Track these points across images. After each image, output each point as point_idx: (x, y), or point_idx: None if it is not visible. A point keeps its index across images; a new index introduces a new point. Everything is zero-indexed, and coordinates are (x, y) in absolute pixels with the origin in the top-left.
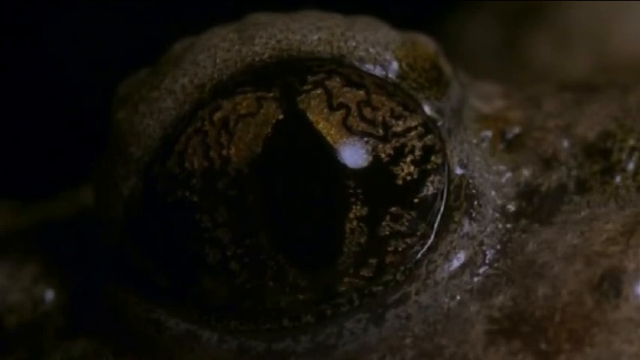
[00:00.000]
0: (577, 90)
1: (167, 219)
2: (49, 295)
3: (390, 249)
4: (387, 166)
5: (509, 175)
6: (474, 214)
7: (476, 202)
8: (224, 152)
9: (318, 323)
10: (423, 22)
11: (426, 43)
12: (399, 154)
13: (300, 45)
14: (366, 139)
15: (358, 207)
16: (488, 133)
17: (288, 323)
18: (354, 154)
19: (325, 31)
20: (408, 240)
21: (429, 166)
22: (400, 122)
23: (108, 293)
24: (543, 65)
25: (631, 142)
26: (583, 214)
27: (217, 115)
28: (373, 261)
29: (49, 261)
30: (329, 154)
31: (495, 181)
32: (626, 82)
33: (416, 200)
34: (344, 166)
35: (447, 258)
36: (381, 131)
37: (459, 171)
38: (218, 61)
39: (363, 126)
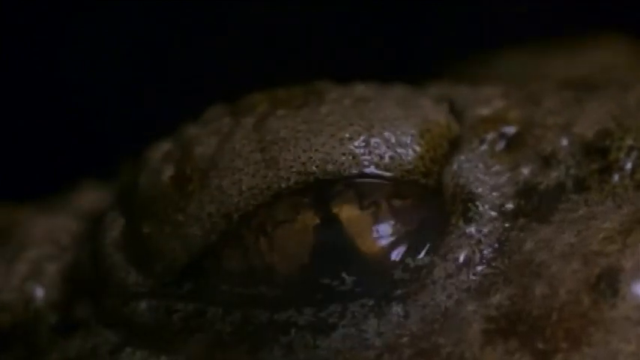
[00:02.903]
0: (577, 88)
1: None
2: (40, 292)
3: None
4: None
5: (508, 174)
6: (472, 214)
7: (474, 203)
8: (266, 259)
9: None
10: None
11: (438, 118)
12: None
13: (326, 165)
14: (397, 231)
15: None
16: (488, 136)
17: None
18: (388, 250)
19: (348, 144)
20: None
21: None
22: (425, 204)
23: (100, 287)
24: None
25: (629, 141)
26: (581, 212)
27: (255, 222)
28: None
29: (39, 259)
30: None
31: (494, 181)
32: (625, 80)
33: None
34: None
35: (446, 258)
36: (411, 218)
37: (452, 180)
38: (244, 188)
39: (393, 218)
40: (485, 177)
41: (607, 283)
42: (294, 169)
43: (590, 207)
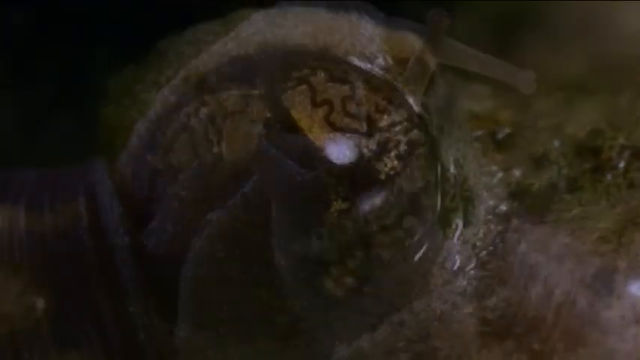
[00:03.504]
0: (567, 89)
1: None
2: (40, 304)
3: (377, 242)
4: (371, 161)
5: (500, 175)
6: (468, 216)
7: (470, 204)
8: (214, 149)
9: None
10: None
11: (413, 39)
12: (383, 150)
13: (286, 39)
14: (349, 134)
15: (340, 202)
16: (480, 133)
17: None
18: (337, 151)
19: (311, 25)
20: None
21: (414, 161)
22: (385, 117)
23: (99, 302)
24: (535, 65)
25: (621, 139)
26: (574, 212)
27: (203, 112)
28: (360, 254)
29: (40, 270)
30: (313, 151)
31: (487, 181)
32: (616, 81)
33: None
34: (326, 163)
35: (442, 260)
36: (365, 126)
37: (453, 170)
38: (203, 53)
39: (346, 121)
40: (480, 175)
41: (602, 283)
42: (254, 40)
43: (583, 207)
